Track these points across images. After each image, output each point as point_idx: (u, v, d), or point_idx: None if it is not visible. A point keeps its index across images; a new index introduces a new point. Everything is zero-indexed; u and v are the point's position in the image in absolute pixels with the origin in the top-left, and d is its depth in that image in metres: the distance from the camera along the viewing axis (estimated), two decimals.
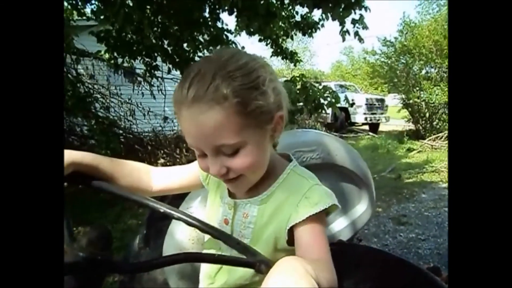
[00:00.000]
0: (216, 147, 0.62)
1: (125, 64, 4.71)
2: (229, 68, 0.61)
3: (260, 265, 0.57)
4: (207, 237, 0.81)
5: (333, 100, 4.04)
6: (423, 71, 10.39)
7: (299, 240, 0.65)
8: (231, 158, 0.63)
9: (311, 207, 0.64)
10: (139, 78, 5.81)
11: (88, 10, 4.10)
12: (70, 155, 0.69)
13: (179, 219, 0.59)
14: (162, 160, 6.02)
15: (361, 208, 1.62)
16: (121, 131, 5.59)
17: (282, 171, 0.73)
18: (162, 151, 6.06)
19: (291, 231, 0.67)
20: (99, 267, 0.48)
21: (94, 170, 0.73)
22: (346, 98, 4.45)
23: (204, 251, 0.79)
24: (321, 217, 0.66)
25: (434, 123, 9.56)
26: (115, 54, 4.10)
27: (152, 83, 5.57)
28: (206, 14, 4.04)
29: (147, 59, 4.27)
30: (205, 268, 0.80)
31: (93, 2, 3.79)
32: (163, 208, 0.60)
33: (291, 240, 0.67)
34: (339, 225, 1.56)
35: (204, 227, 0.60)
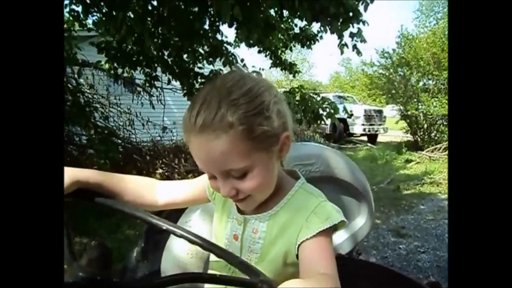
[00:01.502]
0: (224, 171, 0.65)
1: (125, 74, 4.74)
2: (234, 96, 0.63)
3: (262, 285, 0.57)
4: (212, 255, 0.81)
5: (332, 111, 4.07)
6: (421, 83, 10.47)
7: (306, 254, 0.65)
8: (240, 180, 0.66)
9: (321, 223, 0.66)
10: (138, 88, 5.84)
11: (89, 21, 4.15)
12: (74, 174, 0.70)
13: (182, 236, 0.59)
14: (160, 170, 6.00)
15: (361, 221, 1.62)
16: (120, 141, 5.58)
17: (291, 187, 0.74)
18: (160, 161, 6.04)
19: (299, 246, 0.67)
20: (98, 287, 0.48)
21: (98, 187, 0.74)
22: (345, 109, 4.48)
23: (210, 271, 0.80)
24: (329, 233, 0.67)
25: (432, 134, 9.60)
26: (115, 64, 4.12)
27: (151, 93, 5.60)
28: (206, 27, 4.09)
29: (147, 70, 4.30)
30: (211, 286, 0.80)
31: (94, 14, 3.84)
32: (165, 225, 0.60)
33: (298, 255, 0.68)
34: (339, 239, 1.56)
35: (207, 245, 0.60)
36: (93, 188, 0.73)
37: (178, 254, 1.13)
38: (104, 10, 3.51)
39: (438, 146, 8.78)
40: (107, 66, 4.39)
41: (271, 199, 0.73)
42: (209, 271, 0.80)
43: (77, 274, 0.47)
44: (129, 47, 3.86)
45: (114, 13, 3.33)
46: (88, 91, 5.56)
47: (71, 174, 0.69)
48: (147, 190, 0.84)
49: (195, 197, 0.87)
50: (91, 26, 4.03)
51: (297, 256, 0.68)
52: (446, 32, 10.74)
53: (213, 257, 0.81)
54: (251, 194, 0.68)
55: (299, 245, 0.67)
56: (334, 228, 0.67)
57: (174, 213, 1.16)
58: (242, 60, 5.03)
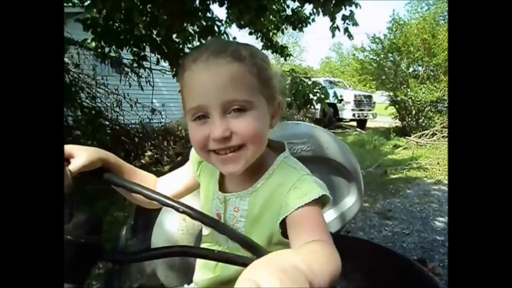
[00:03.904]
0: (226, 102, 0.62)
1: (112, 54, 4.61)
2: (247, 44, 0.68)
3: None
4: (204, 230, 0.80)
5: (323, 96, 4.06)
6: (411, 69, 10.53)
7: (291, 229, 0.63)
8: (237, 120, 0.62)
9: (300, 198, 0.62)
10: (126, 69, 5.70)
11: None
12: (100, 152, 0.73)
13: (184, 212, 0.57)
14: (149, 153, 5.95)
15: (350, 200, 1.64)
16: (107, 122, 5.48)
17: (273, 162, 0.71)
18: (149, 143, 5.98)
19: (283, 223, 0.65)
20: (84, 252, 0.47)
21: (116, 169, 0.76)
22: (335, 94, 4.48)
23: (203, 245, 0.78)
24: (313, 207, 0.63)
25: (420, 120, 9.73)
26: (102, 43, 4.00)
27: (140, 74, 5.47)
28: (197, 5, 3.98)
29: (135, 49, 4.19)
30: (203, 260, 0.79)
31: None
32: (182, 207, 0.58)
33: (285, 232, 0.66)
34: (328, 217, 1.58)
35: (210, 221, 0.59)
36: (112, 170, 0.74)
37: (169, 231, 1.13)
38: None
39: (426, 132, 8.92)
40: (93, 44, 4.24)
41: (253, 175, 0.70)
42: (202, 245, 0.80)
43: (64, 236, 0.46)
44: (117, 24, 3.74)
45: None
46: (73, 70, 5.40)
47: (97, 152, 0.72)
48: (149, 184, 0.82)
49: (191, 183, 0.85)
50: (76, 1, 3.88)
51: (282, 234, 0.66)
52: (437, 18, 10.75)
53: (205, 232, 0.81)
54: (245, 144, 0.63)
55: (280, 222, 0.65)
56: (321, 202, 0.64)
57: None
58: (234, 39, 4.95)
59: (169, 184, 0.85)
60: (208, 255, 0.61)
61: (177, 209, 0.58)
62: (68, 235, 0.47)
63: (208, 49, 0.63)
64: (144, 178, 0.83)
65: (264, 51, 5.37)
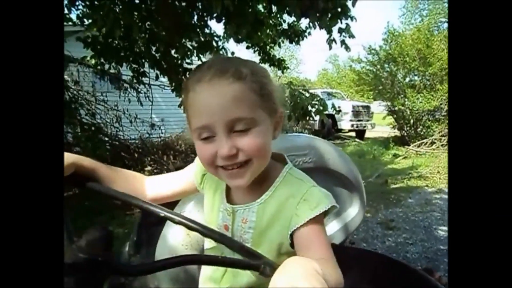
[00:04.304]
0: (230, 121, 0.64)
1: (112, 70, 4.65)
2: (245, 61, 0.70)
3: (265, 267, 0.56)
4: (206, 243, 0.80)
5: (321, 108, 4.09)
6: (407, 79, 10.63)
7: (300, 242, 0.66)
8: (242, 138, 0.65)
9: (311, 210, 0.66)
10: (125, 85, 5.74)
11: (73, 16, 4.05)
12: (71, 157, 0.73)
13: (180, 223, 0.58)
14: (149, 168, 5.93)
15: (353, 211, 1.63)
16: (107, 138, 5.49)
17: (278, 174, 0.73)
18: (149, 158, 5.97)
19: (292, 234, 0.67)
20: (100, 269, 0.47)
21: (92, 174, 0.76)
22: (333, 105, 4.51)
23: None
24: (321, 218, 0.67)
25: (419, 129, 9.76)
26: (102, 60, 4.04)
27: (139, 89, 5.51)
28: (195, 21, 4.04)
29: (134, 65, 4.23)
30: (208, 272, 0.79)
31: (79, 8, 3.75)
32: (163, 212, 0.59)
33: (293, 243, 0.68)
34: (332, 229, 1.57)
35: (207, 232, 0.59)
36: (87, 174, 0.74)
37: (173, 246, 1.12)
38: (88, 2, 3.42)
39: (425, 141, 8.94)
40: (93, 61, 4.29)
41: (259, 187, 0.72)
42: None
43: (77, 254, 0.46)
44: (116, 41, 3.79)
45: (99, 4, 3.26)
46: (73, 87, 5.44)
47: (68, 157, 0.71)
48: (136, 183, 0.84)
49: (184, 189, 0.86)
50: (75, 20, 3.93)
51: (291, 245, 0.68)
52: (431, 29, 10.91)
53: (207, 246, 0.81)
54: (250, 159, 0.66)
55: (291, 234, 0.67)
56: (329, 212, 0.68)
57: (168, 205, 1.15)
58: (232, 54, 5.00)
59: (158, 184, 0.85)
60: (214, 260, 0.62)
61: (172, 220, 0.60)
62: (82, 253, 0.47)
63: (211, 70, 0.65)
64: (128, 178, 0.84)
65: (262, 65, 5.44)
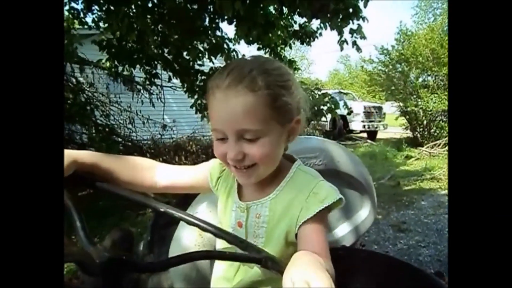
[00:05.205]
0: (240, 130, 0.67)
1: (125, 73, 4.74)
2: (266, 66, 0.70)
3: (267, 261, 0.60)
4: (218, 244, 0.83)
5: (333, 106, 4.09)
6: (420, 79, 10.47)
7: (305, 234, 0.69)
8: (250, 145, 0.68)
9: (320, 203, 0.70)
10: (138, 86, 5.83)
11: (89, 19, 4.14)
12: (70, 155, 0.72)
13: (181, 219, 0.61)
14: None
15: (364, 213, 1.63)
16: (120, 139, 5.59)
17: (288, 171, 0.77)
18: (161, 159, 6.05)
19: (299, 226, 0.71)
20: (124, 267, 0.50)
21: (95, 168, 0.76)
22: (346, 104, 4.48)
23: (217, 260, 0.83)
24: (326, 214, 0.71)
25: (432, 130, 9.61)
26: (116, 62, 4.13)
27: (151, 91, 5.59)
28: (206, 23, 4.08)
29: (147, 67, 4.31)
30: (221, 272, 0.82)
31: (94, 12, 3.84)
32: (168, 209, 0.61)
33: (297, 234, 0.72)
34: (343, 231, 1.57)
35: (206, 226, 0.62)
36: (90, 169, 0.75)
37: (186, 246, 1.15)
38: (104, 7, 3.51)
39: (438, 142, 8.79)
40: (108, 64, 4.38)
41: (271, 182, 0.76)
42: (217, 260, 0.83)
43: (102, 255, 0.49)
44: (130, 44, 3.87)
45: (115, 9, 3.33)
46: (88, 89, 5.55)
47: (67, 155, 0.71)
48: (146, 171, 0.84)
49: (197, 184, 0.88)
50: (91, 24, 4.03)
51: (296, 235, 0.72)
52: (445, 28, 10.73)
53: (219, 247, 0.83)
54: (256, 163, 0.70)
55: (300, 225, 0.70)
56: (331, 207, 0.71)
57: (181, 206, 1.18)
58: (243, 56, 5.02)
59: (171, 173, 0.86)
60: (221, 255, 0.67)
61: (173, 216, 0.62)
62: (107, 253, 0.50)
63: (228, 77, 0.67)
64: (136, 166, 0.84)
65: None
